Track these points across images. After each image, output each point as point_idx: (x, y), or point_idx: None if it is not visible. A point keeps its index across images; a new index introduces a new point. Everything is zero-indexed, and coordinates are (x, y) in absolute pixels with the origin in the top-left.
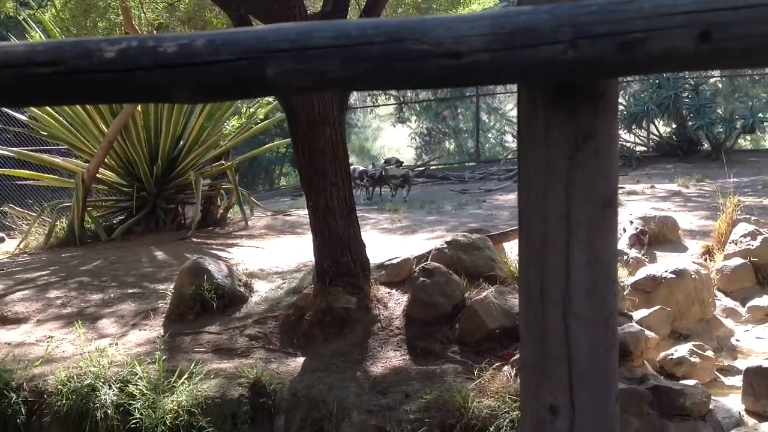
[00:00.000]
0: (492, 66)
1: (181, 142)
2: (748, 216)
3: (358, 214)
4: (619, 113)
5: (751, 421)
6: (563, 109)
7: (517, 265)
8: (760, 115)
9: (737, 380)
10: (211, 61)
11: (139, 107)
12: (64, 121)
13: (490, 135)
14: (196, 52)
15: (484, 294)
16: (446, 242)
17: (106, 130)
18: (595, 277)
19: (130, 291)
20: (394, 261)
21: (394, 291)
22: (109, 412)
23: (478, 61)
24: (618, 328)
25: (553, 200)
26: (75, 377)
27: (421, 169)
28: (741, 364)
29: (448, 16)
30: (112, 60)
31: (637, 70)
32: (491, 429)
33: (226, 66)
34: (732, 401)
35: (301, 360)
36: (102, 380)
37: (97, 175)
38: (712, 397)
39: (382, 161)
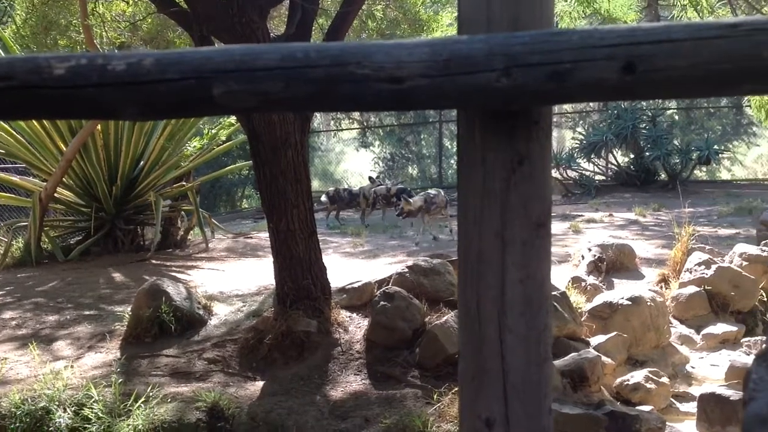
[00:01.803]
0: (430, 91)
1: (142, 163)
2: (702, 245)
3: (320, 238)
4: (579, 143)
5: None
6: (499, 133)
7: None
8: (715, 147)
9: (692, 406)
10: (158, 79)
11: (99, 126)
12: (22, 139)
13: (452, 161)
14: (144, 70)
15: (444, 318)
16: (407, 267)
17: (64, 148)
18: (529, 294)
19: (87, 313)
20: (356, 285)
21: (355, 315)
22: None
23: (418, 86)
24: (576, 354)
25: (489, 220)
26: (29, 400)
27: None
28: (695, 390)
29: (389, 42)
30: (61, 77)
31: (567, 99)
32: None
33: (174, 85)
34: (686, 427)
35: (260, 384)
36: (57, 403)
37: (55, 195)
38: (667, 423)
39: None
